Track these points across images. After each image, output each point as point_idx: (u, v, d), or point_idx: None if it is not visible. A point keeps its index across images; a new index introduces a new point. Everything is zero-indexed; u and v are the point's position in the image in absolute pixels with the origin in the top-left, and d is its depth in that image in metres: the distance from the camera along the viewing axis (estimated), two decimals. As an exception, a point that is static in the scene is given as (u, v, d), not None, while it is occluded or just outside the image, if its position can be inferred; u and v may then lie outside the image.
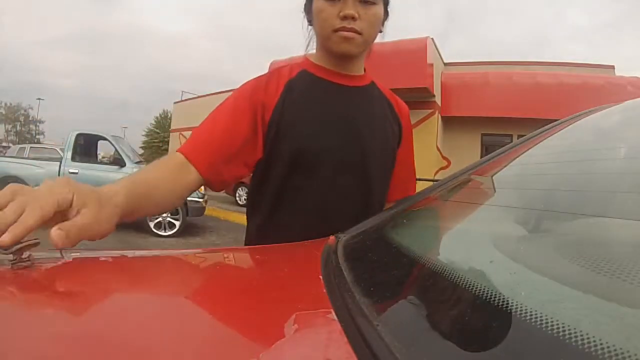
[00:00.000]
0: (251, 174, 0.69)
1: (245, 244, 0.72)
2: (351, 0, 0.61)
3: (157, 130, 20.28)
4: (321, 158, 0.65)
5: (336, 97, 0.70)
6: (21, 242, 0.32)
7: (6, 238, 0.31)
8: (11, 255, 0.31)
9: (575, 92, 6.69)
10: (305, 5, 0.70)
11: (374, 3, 0.63)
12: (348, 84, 0.71)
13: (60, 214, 0.36)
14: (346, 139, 0.68)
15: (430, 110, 7.52)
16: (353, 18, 0.61)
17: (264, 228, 0.68)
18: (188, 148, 0.60)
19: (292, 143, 0.64)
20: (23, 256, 0.32)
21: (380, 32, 0.69)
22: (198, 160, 0.59)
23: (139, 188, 0.50)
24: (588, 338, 0.16)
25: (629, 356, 0.14)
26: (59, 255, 0.35)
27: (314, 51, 0.72)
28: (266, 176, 0.66)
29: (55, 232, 0.34)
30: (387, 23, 0.70)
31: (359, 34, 0.63)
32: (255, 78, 0.68)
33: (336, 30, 0.63)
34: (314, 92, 0.68)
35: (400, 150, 0.77)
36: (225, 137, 0.62)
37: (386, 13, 0.68)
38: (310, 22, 0.70)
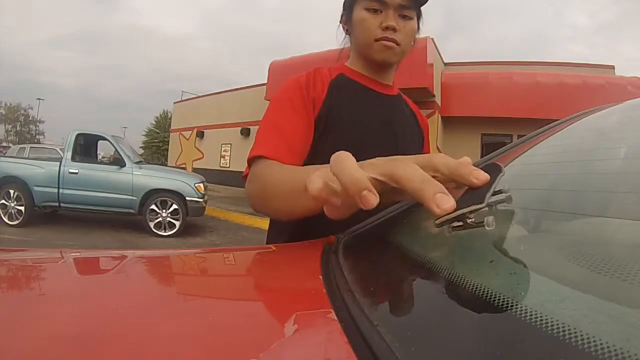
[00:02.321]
0: None
1: (269, 242, 0.73)
2: (392, 13, 0.66)
3: (157, 130, 20.31)
4: (362, 157, 0.67)
5: (374, 101, 0.74)
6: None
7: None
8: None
9: (575, 92, 6.70)
10: (342, 15, 0.75)
11: (411, 18, 0.69)
12: (382, 92, 0.76)
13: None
14: (385, 142, 0.71)
15: (430, 110, 7.52)
16: (394, 29, 0.66)
17: (301, 225, 0.68)
18: (269, 150, 0.61)
19: (338, 139, 0.66)
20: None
21: (412, 44, 0.73)
22: (284, 160, 0.60)
23: None
24: (588, 338, 0.16)
25: (629, 356, 0.14)
26: (59, 255, 0.35)
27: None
28: None
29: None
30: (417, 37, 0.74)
31: (398, 44, 0.68)
32: (298, 76, 0.71)
33: (378, 40, 0.67)
34: (355, 95, 0.72)
35: None
36: (293, 135, 0.64)
37: (418, 27, 0.73)
38: (347, 31, 0.75)
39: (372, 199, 0.29)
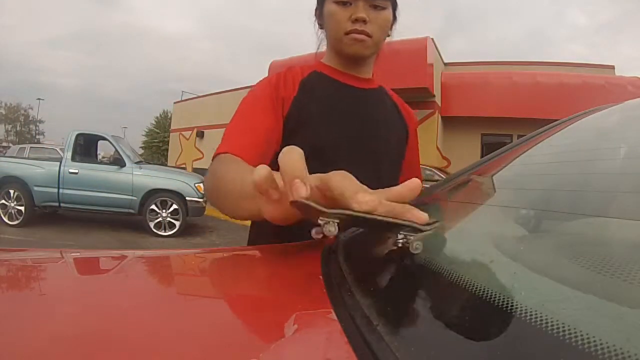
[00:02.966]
0: None
1: (250, 242, 0.72)
2: (362, 4, 0.64)
3: (157, 130, 20.31)
4: (334, 154, 0.66)
5: (347, 96, 0.72)
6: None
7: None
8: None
9: (575, 92, 6.70)
10: (315, 9, 0.72)
11: (383, 8, 0.66)
12: (358, 86, 0.73)
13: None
14: (358, 138, 0.70)
15: (430, 110, 7.52)
16: (364, 21, 0.64)
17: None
18: (234, 147, 0.60)
19: (307, 138, 0.65)
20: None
21: (388, 35, 0.71)
22: (248, 158, 0.59)
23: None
24: (588, 338, 0.16)
25: (629, 356, 0.14)
26: (59, 255, 0.35)
27: (319, 53, 0.75)
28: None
29: None
30: (394, 27, 0.72)
31: (370, 36, 0.65)
32: (269, 77, 0.70)
33: (348, 33, 0.65)
34: (326, 91, 0.70)
35: (407, 152, 0.80)
36: (260, 133, 0.63)
37: (394, 17, 0.70)
38: (321, 26, 0.73)
39: (302, 190, 0.29)
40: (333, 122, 0.68)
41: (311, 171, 0.72)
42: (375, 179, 0.69)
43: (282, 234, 0.59)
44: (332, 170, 0.41)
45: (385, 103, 0.77)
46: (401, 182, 0.71)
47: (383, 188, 0.77)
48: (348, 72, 0.72)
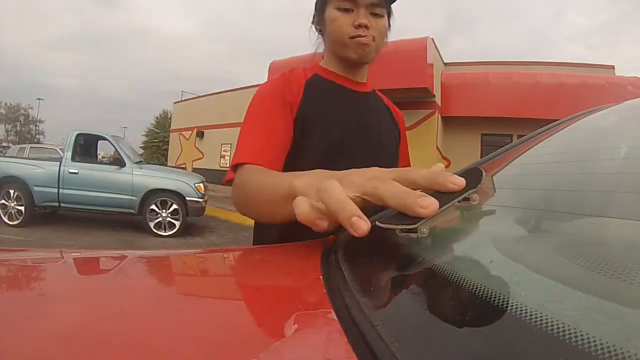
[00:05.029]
0: None
1: (255, 242, 0.74)
2: (363, 11, 0.67)
3: (157, 130, 20.32)
4: (339, 155, 0.69)
5: (349, 100, 0.74)
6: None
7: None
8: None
9: (575, 92, 6.70)
10: (314, 16, 0.75)
11: (382, 16, 0.70)
12: (356, 89, 0.77)
13: None
14: (361, 140, 0.72)
15: (430, 110, 7.52)
16: (366, 27, 0.67)
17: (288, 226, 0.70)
18: (253, 156, 0.62)
19: (317, 140, 0.68)
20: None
21: (385, 42, 0.74)
22: (267, 164, 0.61)
23: None
24: (588, 338, 0.16)
25: (629, 356, 0.14)
26: (59, 255, 0.35)
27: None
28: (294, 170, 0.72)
29: None
30: (389, 34, 0.75)
31: (373, 41, 0.69)
32: (275, 79, 0.72)
33: (352, 37, 0.68)
34: (330, 94, 0.73)
35: (400, 153, 0.85)
36: (273, 139, 0.65)
37: (389, 25, 0.74)
38: (320, 31, 0.76)
39: (363, 226, 0.30)
40: (337, 125, 0.71)
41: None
42: None
43: (286, 235, 0.61)
44: (337, 170, 0.42)
45: (379, 106, 0.81)
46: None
47: None
48: (346, 75, 0.75)
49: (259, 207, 0.53)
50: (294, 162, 0.67)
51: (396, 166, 0.80)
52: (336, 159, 0.66)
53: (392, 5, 0.72)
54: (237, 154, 0.64)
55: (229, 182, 0.63)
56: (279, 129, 0.66)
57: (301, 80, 0.71)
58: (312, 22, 0.76)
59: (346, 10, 0.67)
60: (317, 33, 0.77)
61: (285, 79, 0.70)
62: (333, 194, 0.32)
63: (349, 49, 0.69)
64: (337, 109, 0.72)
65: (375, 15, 0.68)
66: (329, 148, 0.68)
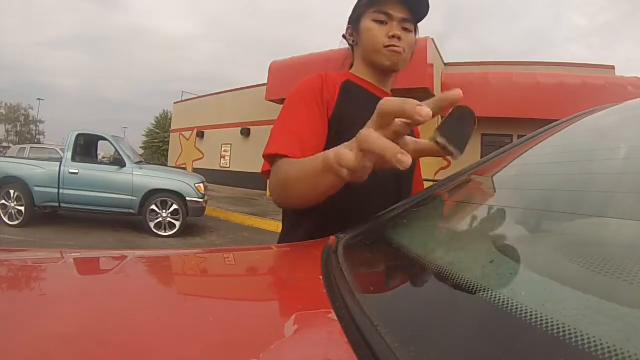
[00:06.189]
0: None
1: (282, 239, 0.76)
2: (396, 24, 0.74)
3: (157, 130, 20.31)
4: None
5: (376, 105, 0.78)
6: None
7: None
8: None
9: (575, 92, 6.69)
10: (347, 28, 0.82)
11: (410, 30, 0.76)
12: (383, 97, 0.79)
13: None
14: None
15: (430, 111, 7.46)
16: (399, 38, 0.74)
17: (317, 219, 0.71)
18: (285, 148, 0.64)
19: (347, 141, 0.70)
20: None
21: (411, 54, 0.80)
22: (298, 157, 0.62)
23: None
24: (588, 338, 0.16)
25: (629, 356, 0.14)
26: (59, 255, 0.35)
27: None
28: None
29: None
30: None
31: (403, 52, 0.75)
32: (312, 77, 0.76)
33: (386, 46, 0.74)
34: (363, 99, 0.77)
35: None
36: (307, 134, 0.68)
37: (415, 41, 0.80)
38: (353, 42, 0.82)
39: (408, 159, 0.35)
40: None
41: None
42: (396, 181, 0.76)
43: (314, 228, 0.65)
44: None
45: None
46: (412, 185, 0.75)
47: (401, 187, 0.81)
48: (376, 84, 0.80)
49: (299, 184, 0.56)
50: None
51: (412, 168, 0.82)
52: None
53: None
54: (270, 145, 0.66)
55: (266, 173, 0.67)
56: (313, 125, 0.70)
57: (337, 82, 0.76)
58: (345, 34, 0.83)
59: (381, 22, 0.74)
60: (348, 44, 0.83)
61: (323, 79, 0.75)
62: (375, 138, 0.38)
63: (383, 55, 0.75)
64: (369, 114, 0.73)
65: (405, 29, 0.75)
66: None
